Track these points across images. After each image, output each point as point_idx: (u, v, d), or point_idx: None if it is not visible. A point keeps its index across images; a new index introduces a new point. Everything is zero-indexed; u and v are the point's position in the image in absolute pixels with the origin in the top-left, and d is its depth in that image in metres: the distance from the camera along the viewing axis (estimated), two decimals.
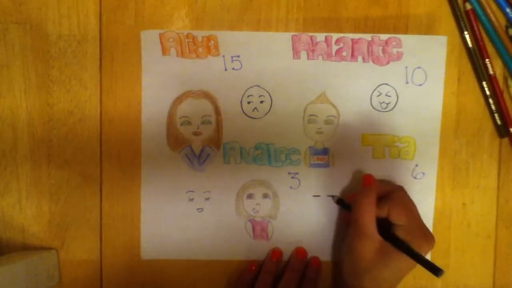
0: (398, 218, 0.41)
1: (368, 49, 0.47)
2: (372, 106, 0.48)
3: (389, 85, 0.48)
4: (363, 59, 0.47)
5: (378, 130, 0.48)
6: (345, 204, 0.46)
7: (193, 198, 0.48)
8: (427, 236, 0.41)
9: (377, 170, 0.48)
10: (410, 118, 0.48)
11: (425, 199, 0.48)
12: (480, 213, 0.49)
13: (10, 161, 0.47)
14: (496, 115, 0.48)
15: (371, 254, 0.41)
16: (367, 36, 0.47)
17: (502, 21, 0.48)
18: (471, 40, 0.47)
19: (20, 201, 0.47)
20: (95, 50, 0.47)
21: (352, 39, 0.47)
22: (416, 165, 0.48)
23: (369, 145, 0.48)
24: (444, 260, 0.49)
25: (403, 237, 0.41)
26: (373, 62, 0.47)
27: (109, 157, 0.47)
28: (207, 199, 0.48)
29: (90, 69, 0.47)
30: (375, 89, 0.48)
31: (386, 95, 0.48)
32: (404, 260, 0.40)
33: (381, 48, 0.47)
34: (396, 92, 0.48)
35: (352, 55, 0.47)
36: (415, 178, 0.48)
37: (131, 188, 0.47)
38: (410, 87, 0.48)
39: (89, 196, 0.48)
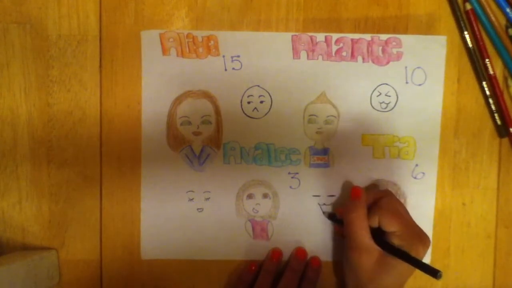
0: (389, 226, 0.41)
1: (368, 49, 0.47)
2: (372, 106, 0.48)
3: (389, 85, 0.48)
4: (363, 59, 0.47)
5: (378, 130, 0.48)
6: (337, 219, 0.46)
7: (193, 198, 0.48)
8: (421, 238, 0.41)
9: (377, 170, 0.48)
10: (410, 118, 0.48)
11: (426, 199, 0.48)
12: (480, 213, 0.49)
13: (10, 161, 0.47)
14: (496, 115, 0.48)
15: (370, 265, 0.41)
16: (367, 36, 0.47)
17: (502, 21, 0.48)
18: (471, 40, 0.47)
19: (20, 201, 0.47)
20: (95, 50, 0.47)
21: (352, 39, 0.47)
22: (416, 165, 0.48)
23: (369, 145, 0.48)
24: (444, 260, 0.49)
25: (398, 243, 0.41)
26: (373, 62, 0.47)
27: (109, 157, 0.47)
28: (207, 199, 0.48)
29: (90, 69, 0.47)
30: (375, 89, 0.48)
31: (386, 95, 0.48)
32: (404, 265, 0.40)
33: (380, 48, 0.47)
34: (396, 92, 0.48)
35: (352, 55, 0.47)
36: (415, 178, 0.48)
37: (131, 188, 0.47)
38: (410, 87, 0.48)
39: (89, 196, 0.48)
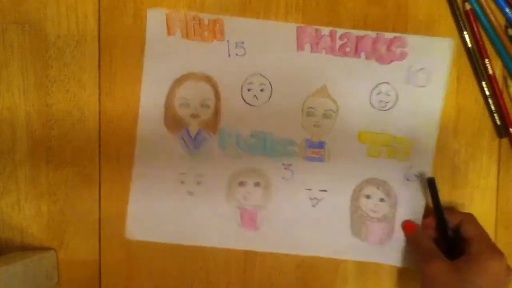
0: (470, 230, 0.43)
1: (372, 46, 0.47)
2: (371, 104, 0.47)
3: (390, 84, 0.47)
4: (366, 56, 0.47)
5: (375, 129, 0.48)
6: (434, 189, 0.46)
7: (184, 181, 0.47)
8: (496, 249, 0.41)
9: (371, 169, 0.48)
10: (408, 119, 0.47)
11: (417, 202, 0.48)
12: (480, 213, 0.49)
13: (9, 161, 0.47)
14: (495, 115, 0.48)
15: (450, 273, 0.40)
16: (372, 34, 0.47)
17: (502, 21, 0.47)
18: (470, 40, 0.47)
19: (19, 201, 0.47)
20: (93, 50, 0.47)
21: (357, 36, 0.47)
22: (410, 167, 0.48)
23: (365, 142, 0.48)
24: None
25: (472, 250, 0.41)
26: (376, 60, 0.47)
27: (108, 157, 0.47)
28: (199, 183, 0.47)
29: (89, 69, 0.47)
30: (375, 87, 0.47)
31: (386, 94, 0.47)
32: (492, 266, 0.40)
33: (385, 46, 0.47)
34: (396, 92, 0.47)
35: (356, 51, 0.47)
36: (408, 180, 0.48)
37: (130, 189, 0.47)
38: (411, 88, 0.47)
39: (88, 196, 0.47)
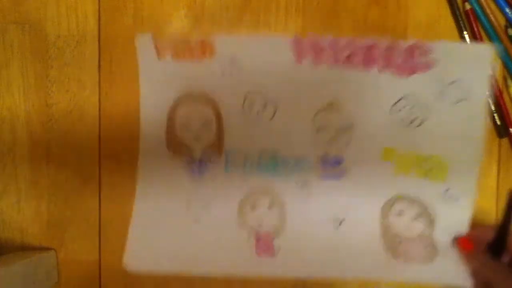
0: None
1: (385, 57, 0.42)
2: (394, 120, 0.43)
3: (414, 99, 0.43)
4: (379, 69, 0.42)
5: (400, 146, 0.43)
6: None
7: (190, 207, 0.45)
8: None
9: (399, 188, 0.44)
10: (442, 139, 0.43)
11: (460, 223, 0.43)
12: (480, 213, 0.49)
13: (9, 161, 0.47)
14: (495, 115, 0.48)
15: None
16: (383, 42, 0.42)
17: (502, 21, 0.47)
18: (470, 40, 0.47)
19: (19, 202, 0.47)
20: (93, 50, 0.47)
21: (364, 45, 0.42)
22: (447, 189, 0.43)
23: (389, 160, 0.43)
24: None
25: None
26: (392, 73, 0.42)
27: (108, 157, 0.47)
28: (206, 209, 0.45)
29: (88, 69, 0.47)
30: (396, 103, 0.43)
31: (410, 109, 0.43)
32: None
33: (402, 56, 0.42)
34: (423, 107, 0.43)
35: (366, 63, 0.42)
36: (444, 203, 0.44)
37: (130, 189, 0.47)
38: (442, 104, 0.42)
39: (88, 197, 0.47)
